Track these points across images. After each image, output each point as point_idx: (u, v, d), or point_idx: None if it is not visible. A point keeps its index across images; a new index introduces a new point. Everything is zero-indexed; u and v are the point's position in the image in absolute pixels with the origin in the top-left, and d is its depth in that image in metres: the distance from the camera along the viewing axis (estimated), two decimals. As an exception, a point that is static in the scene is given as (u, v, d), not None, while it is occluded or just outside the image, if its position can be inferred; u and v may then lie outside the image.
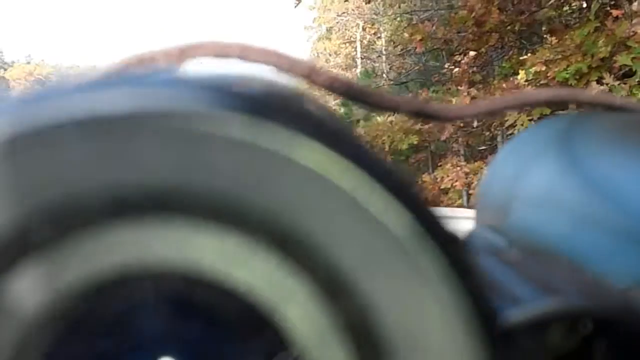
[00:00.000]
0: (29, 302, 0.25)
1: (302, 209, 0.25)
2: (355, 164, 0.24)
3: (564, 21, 6.51)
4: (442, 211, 0.28)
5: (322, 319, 0.25)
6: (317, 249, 0.24)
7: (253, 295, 0.26)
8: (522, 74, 5.82)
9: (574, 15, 6.64)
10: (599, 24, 5.68)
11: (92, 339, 0.27)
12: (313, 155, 0.25)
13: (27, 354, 0.26)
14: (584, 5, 6.39)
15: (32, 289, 0.25)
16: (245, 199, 0.25)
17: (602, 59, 5.42)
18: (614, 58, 5.43)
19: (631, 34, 5.37)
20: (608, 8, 5.81)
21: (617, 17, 5.56)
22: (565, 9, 6.69)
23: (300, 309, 0.25)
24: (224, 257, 0.26)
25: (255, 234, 0.25)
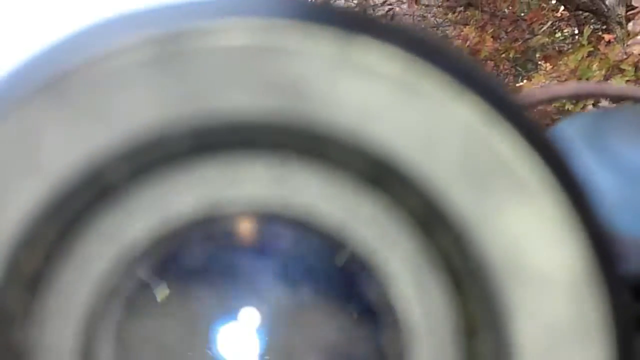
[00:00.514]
0: (104, 253, 0.24)
1: (401, 136, 0.22)
2: (455, 77, 0.22)
3: (557, 47, 6.56)
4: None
5: (418, 258, 0.26)
6: (416, 181, 0.24)
7: (345, 235, 0.25)
8: (518, 100, 5.82)
9: (567, 41, 6.70)
10: (592, 49, 5.73)
11: (172, 287, 0.26)
12: (416, 71, 0.22)
13: (114, 293, 0.25)
14: (576, 31, 6.46)
15: (108, 234, 0.24)
16: (339, 127, 0.22)
17: (597, 83, 5.45)
18: (609, 81, 5.48)
19: (624, 57, 5.42)
20: (600, 33, 5.87)
21: (609, 42, 5.62)
22: (557, 35, 6.76)
23: (396, 250, 0.26)
24: (317, 193, 0.24)
25: (350, 167, 0.24)
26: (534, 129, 0.24)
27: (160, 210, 0.24)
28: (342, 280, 0.27)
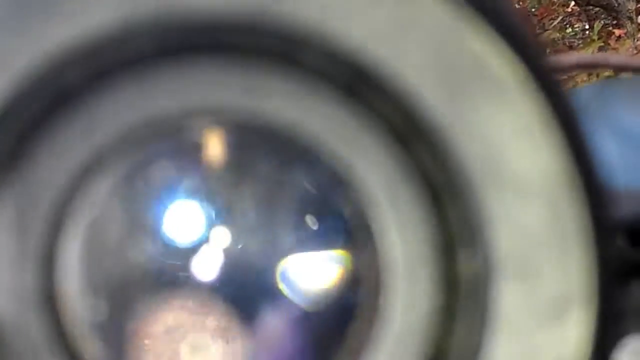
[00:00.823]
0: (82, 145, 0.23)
1: (371, 35, 0.22)
2: None
3: (567, 42, 6.52)
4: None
5: (394, 171, 0.25)
6: (388, 85, 0.23)
7: (319, 147, 0.24)
8: (528, 96, 5.77)
9: (577, 37, 6.66)
10: (602, 44, 5.70)
11: (140, 203, 0.25)
12: None
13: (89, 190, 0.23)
14: (587, 26, 6.42)
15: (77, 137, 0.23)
16: (307, 26, 0.21)
17: (608, 77, 5.42)
18: (619, 76, 5.43)
19: (635, 52, 5.38)
20: (610, 28, 5.84)
21: (619, 37, 5.58)
22: (568, 30, 6.72)
23: (372, 163, 0.25)
24: (291, 102, 0.23)
25: (323, 74, 0.23)
26: (513, 28, 0.23)
27: (123, 120, 0.23)
28: (316, 198, 0.27)
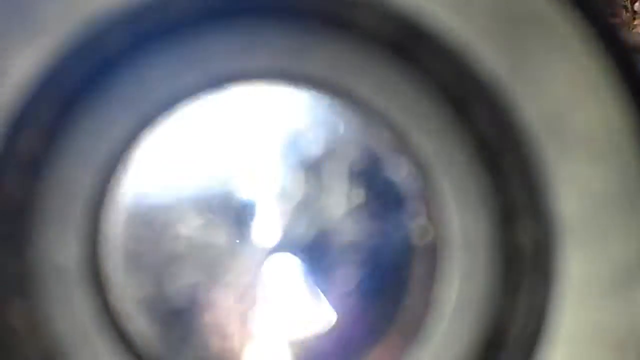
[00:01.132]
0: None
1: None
2: None
3: (562, 33, 6.54)
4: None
5: (450, 136, 0.24)
6: (444, 42, 0.21)
7: (372, 111, 0.23)
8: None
9: (572, 26, 6.68)
10: (598, 33, 5.71)
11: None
12: None
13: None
14: (581, 16, 6.44)
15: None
16: None
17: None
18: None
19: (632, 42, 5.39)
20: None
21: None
22: (563, 20, 6.75)
23: (426, 128, 0.24)
24: (342, 65, 0.23)
25: (376, 35, 0.22)
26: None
27: (167, 89, 0.22)
28: (370, 165, 0.25)
